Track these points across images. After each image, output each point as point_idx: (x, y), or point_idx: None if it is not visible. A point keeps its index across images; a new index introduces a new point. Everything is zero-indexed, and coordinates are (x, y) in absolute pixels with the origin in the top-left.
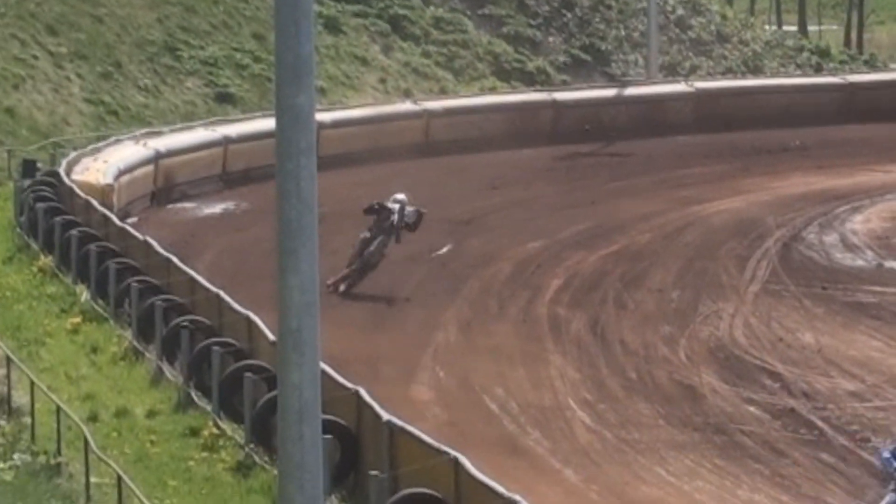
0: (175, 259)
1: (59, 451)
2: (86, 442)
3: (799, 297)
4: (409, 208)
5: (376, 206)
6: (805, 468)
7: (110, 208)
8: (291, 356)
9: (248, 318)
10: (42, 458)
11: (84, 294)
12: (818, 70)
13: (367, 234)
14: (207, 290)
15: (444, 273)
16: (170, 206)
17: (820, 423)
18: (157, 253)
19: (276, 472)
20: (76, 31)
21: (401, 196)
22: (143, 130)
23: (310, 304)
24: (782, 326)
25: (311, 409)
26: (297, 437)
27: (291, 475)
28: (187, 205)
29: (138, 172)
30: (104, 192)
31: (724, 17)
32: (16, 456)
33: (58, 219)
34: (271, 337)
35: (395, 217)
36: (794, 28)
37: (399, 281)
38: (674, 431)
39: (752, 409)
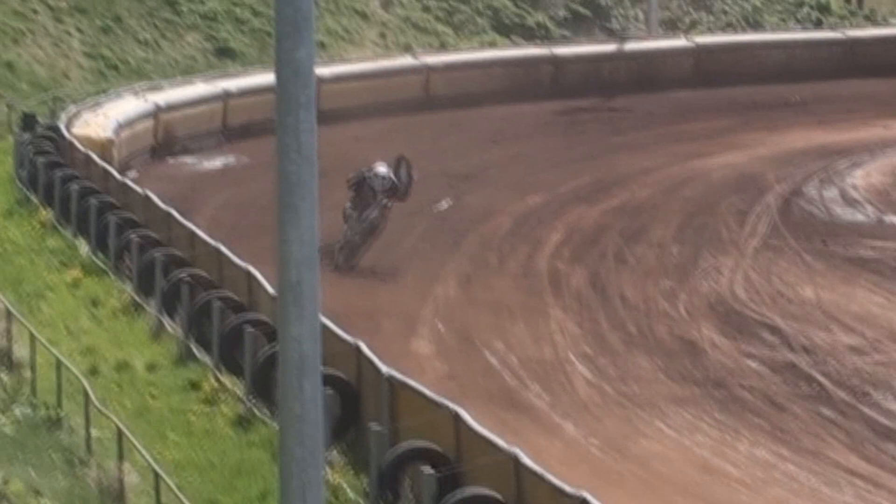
0: (175, 213)
1: (59, 405)
2: (86, 395)
3: (799, 252)
4: (394, 174)
5: (355, 181)
6: (805, 422)
7: (110, 162)
8: (291, 310)
9: (248, 272)
10: (42, 412)
11: (84, 248)
12: (818, 25)
13: (349, 207)
14: (207, 244)
15: (444, 227)
16: (170, 160)
17: (820, 378)
18: (157, 207)
19: (276, 425)
20: None
21: (382, 169)
22: (143, 84)
23: (310, 257)
24: (782, 281)
25: (311, 362)
26: (298, 391)
27: (292, 428)
28: (187, 159)
29: (138, 127)
30: (104, 147)
31: None
32: (16, 409)
33: (58, 173)
34: (271, 291)
35: (400, 184)
36: None
37: (399, 236)
38: (674, 386)
39: (752, 363)
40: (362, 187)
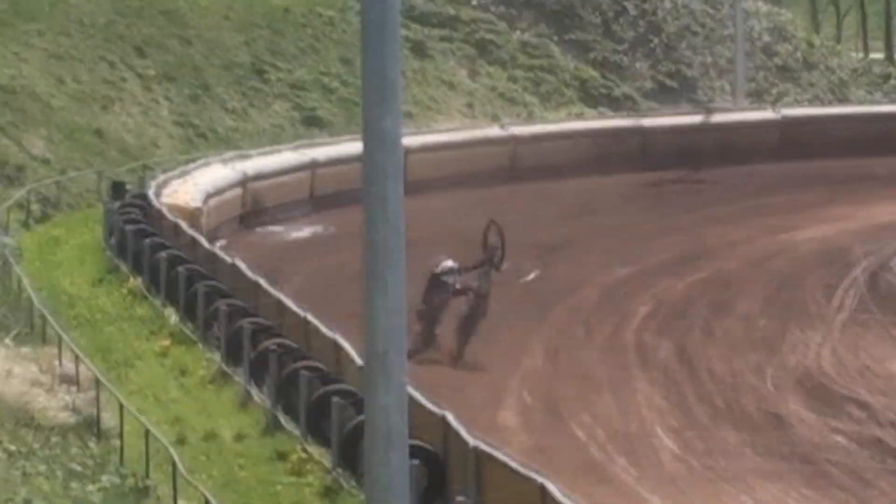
0: (263, 282)
1: (147, 474)
2: (174, 465)
3: (886, 326)
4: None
5: (429, 285)
6: (893, 498)
7: (199, 231)
8: (378, 379)
9: (335, 342)
10: (130, 481)
11: (173, 316)
12: None
13: (423, 307)
14: (295, 313)
15: (532, 298)
16: (258, 229)
17: None
18: (245, 276)
19: (362, 496)
20: (164, 53)
21: (448, 263)
22: (231, 153)
23: (397, 328)
24: (870, 355)
25: (398, 433)
26: (385, 462)
27: (378, 499)
28: (275, 228)
29: (227, 195)
30: (193, 215)
31: (810, 44)
32: (104, 478)
33: (147, 241)
34: (359, 361)
35: (491, 249)
36: (881, 55)
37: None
38: (760, 460)
39: (839, 438)
40: (434, 286)
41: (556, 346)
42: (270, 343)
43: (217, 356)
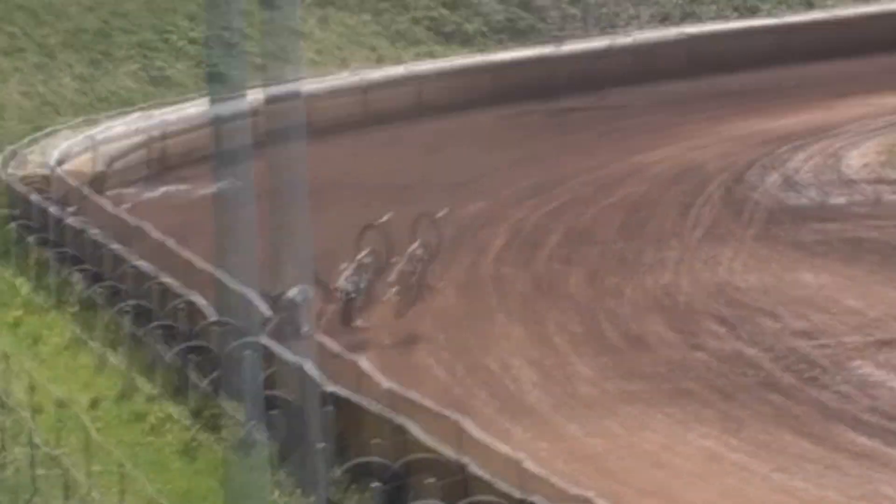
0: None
1: (3, 447)
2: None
3: (743, 240)
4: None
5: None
6: (753, 410)
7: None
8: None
9: (189, 301)
10: None
11: (24, 287)
12: (754, 12)
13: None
14: (144, 273)
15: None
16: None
17: (767, 365)
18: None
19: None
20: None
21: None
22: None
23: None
24: (727, 270)
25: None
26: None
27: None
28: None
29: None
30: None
31: None
32: None
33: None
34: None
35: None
36: None
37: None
38: (622, 383)
39: (699, 354)
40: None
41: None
42: (126, 305)
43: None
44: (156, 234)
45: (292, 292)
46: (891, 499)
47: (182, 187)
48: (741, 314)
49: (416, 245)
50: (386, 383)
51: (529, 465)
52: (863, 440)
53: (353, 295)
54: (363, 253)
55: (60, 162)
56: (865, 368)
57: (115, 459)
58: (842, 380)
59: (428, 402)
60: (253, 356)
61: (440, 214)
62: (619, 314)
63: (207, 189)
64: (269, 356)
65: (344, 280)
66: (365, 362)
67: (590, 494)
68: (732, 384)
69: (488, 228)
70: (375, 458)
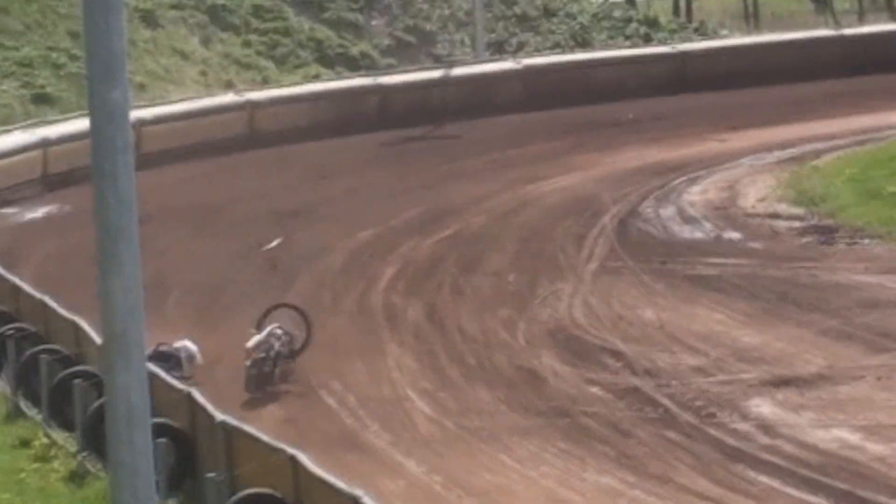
0: None
1: None
2: None
3: (638, 273)
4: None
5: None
6: (651, 447)
7: None
8: (117, 359)
9: (74, 324)
10: None
11: None
12: (647, 41)
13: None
14: (32, 297)
15: (276, 267)
16: None
17: (664, 401)
18: None
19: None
20: None
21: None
22: None
23: (134, 306)
24: (622, 304)
25: (140, 413)
26: (128, 443)
27: (123, 481)
28: (7, 210)
29: None
30: None
31: None
32: None
33: None
34: (99, 342)
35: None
36: None
37: (226, 280)
38: (516, 417)
39: (594, 389)
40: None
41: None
42: (7, 329)
43: None
44: (36, 258)
45: (178, 345)
46: None
47: (67, 206)
48: (637, 349)
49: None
50: (220, 416)
51: (368, 501)
52: (762, 479)
53: (266, 361)
54: (273, 325)
55: None
56: (764, 407)
57: None
58: (740, 417)
59: (262, 436)
60: (82, 385)
61: (273, 244)
62: (513, 347)
63: (36, 212)
64: (157, 382)
65: (255, 344)
66: (198, 394)
67: None
68: (629, 420)
69: (378, 258)
70: (267, 489)
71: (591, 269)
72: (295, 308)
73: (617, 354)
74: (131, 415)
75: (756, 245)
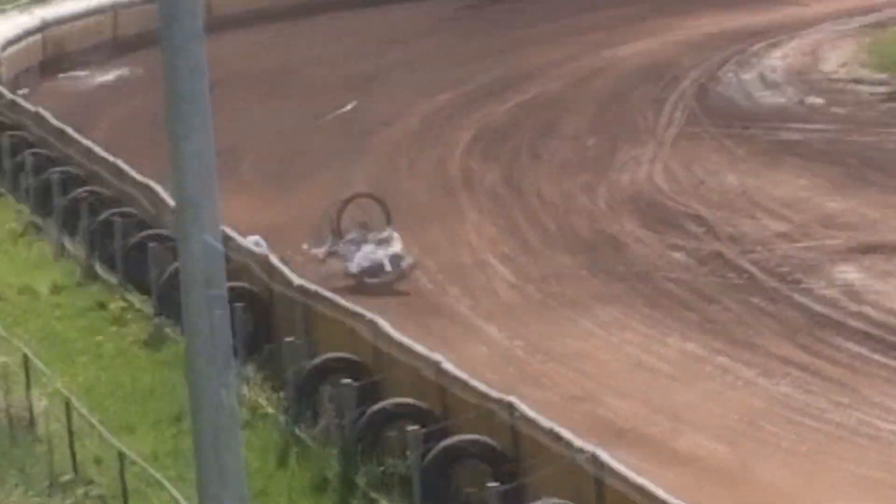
0: (70, 130)
1: None
2: None
3: (719, 139)
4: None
5: None
6: (736, 313)
7: None
8: (191, 226)
9: (148, 187)
10: None
11: None
12: None
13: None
14: (106, 160)
15: (350, 131)
16: (61, 75)
17: (748, 266)
18: (50, 124)
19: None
20: None
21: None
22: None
23: (206, 172)
24: (704, 169)
25: (215, 278)
26: (203, 309)
27: (198, 347)
28: (79, 73)
29: (24, 43)
30: None
31: None
32: None
33: None
34: (173, 205)
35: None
36: None
37: (304, 143)
38: (598, 283)
39: (677, 255)
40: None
41: (378, 179)
42: (80, 191)
43: (26, 209)
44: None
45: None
46: (876, 405)
47: (138, 69)
48: (720, 214)
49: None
50: (297, 280)
51: (448, 366)
52: (849, 346)
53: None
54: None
55: (9, 42)
56: (850, 273)
57: (76, 349)
58: (826, 284)
59: (341, 300)
60: (159, 249)
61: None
62: (593, 212)
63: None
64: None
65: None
66: (275, 259)
67: (511, 398)
68: (713, 286)
69: (455, 121)
70: (346, 354)
71: (671, 134)
72: (371, 197)
73: (699, 220)
74: (206, 280)
75: (839, 110)
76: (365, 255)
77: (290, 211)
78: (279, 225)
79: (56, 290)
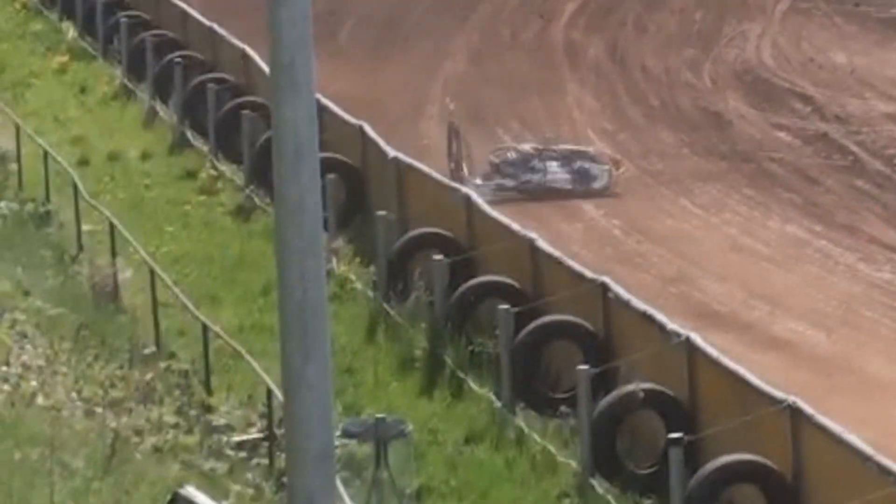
0: None
1: (48, 199)
2: (75, 188)
3: (830, 15)
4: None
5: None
6: (839, 195)
7: None
8: (285, 91)
9: (243, 52)
10: (30, 206)
11: (71, 31)
12: None
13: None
14: (200, 23)
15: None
16: None
17: (854, 148)
18: None
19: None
20: None
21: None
22: None
23: (302, 37)
24: (813, 46)
25: (308, 147)
26: (294, 178)
27: (288, 217)
28: None
29: None
30: None
31: None
32: (2, 204)
33: None
34: (268, 71)
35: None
36: None
37: (404, 9)
38: (699, 161)
39: (782, 134)
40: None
41: (479, 50)
42: (174, 56)
43: (119, 72)
44: None
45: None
46: None
47: None
48: (827, 93)
49: None
50: (392, 152)
51: (542, 244)
52: None
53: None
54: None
55: None
56: None
57: (164, 218)
58: None
59: (435, 173)
60: (251, 116)
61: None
62: (698, 88)
63: None
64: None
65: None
66: (369, 129)
67: (605, 279)
68: (817, 167)
69: None
70: (438, 230)
71: (780, 9)
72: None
73: (806, 98)
74: (298, 149)
75: None
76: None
77: (388, 79)
78: (378, 92)
79: (146, 156)
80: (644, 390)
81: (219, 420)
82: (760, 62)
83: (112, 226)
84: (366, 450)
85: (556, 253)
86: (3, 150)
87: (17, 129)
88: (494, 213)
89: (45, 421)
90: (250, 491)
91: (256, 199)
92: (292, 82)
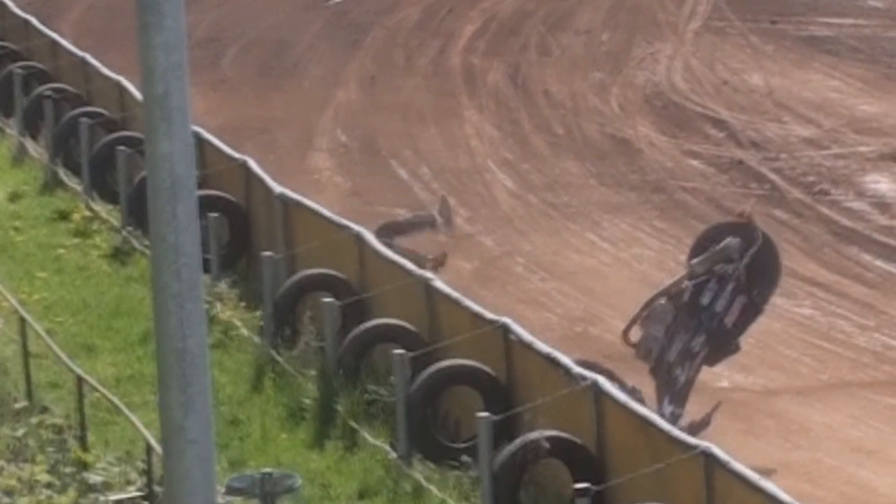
0: (34, 20)
1: None
2: None
3: (745, 34)
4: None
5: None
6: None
7: None
8: (159, 124)
9: (119, 84)
10: None
11: None
12: None
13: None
14: (72, 54)
15: (342, 23)
16: None
17: (772, 176)
18: (13, 15)
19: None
20: None
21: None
22: None
23: (177, 65)
24: (727, 68)
25: (185, 184)
26: (170, 217)
27: (165, 260)
28: None
29: None
30: None
31: None
32: None
33: None
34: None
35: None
36: None
37: (292, 35)
38: (607, 192)
39: (694, 162)
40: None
41: (372, 76)
42: (44, 89)
43: None
44: (76, 11)
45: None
46: None
47: None
48: (742, 118)
49: None
50: (278, 188)
51: (439, 284)
52: (878, 264)
53: None
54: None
55: None
56: (882, 183)
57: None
58: (855, 195)
59: (325, 211)
60: (128, 153)
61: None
62: (605, 114)
63: None
64: (209, 150)
65: None
66: (254, 164)
67: (506, 319)
68: (732, 196)
69: (457, 13)
70: (328, 270)
71: (693, 28)
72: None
73: (720, 123)
74: (174, 185)
75: (877, 3)
76: None
77: (276, 108)
78: (265, 122)
79: (15, 197)
80: (548, 438)
81: (95, 478)
82: (671, 85)
83: None
84: None
85: (454, 293)
86: None
87: None
88: (388, 252)
89: None
90: None
91: (134, 241)
92: (167, 114)
